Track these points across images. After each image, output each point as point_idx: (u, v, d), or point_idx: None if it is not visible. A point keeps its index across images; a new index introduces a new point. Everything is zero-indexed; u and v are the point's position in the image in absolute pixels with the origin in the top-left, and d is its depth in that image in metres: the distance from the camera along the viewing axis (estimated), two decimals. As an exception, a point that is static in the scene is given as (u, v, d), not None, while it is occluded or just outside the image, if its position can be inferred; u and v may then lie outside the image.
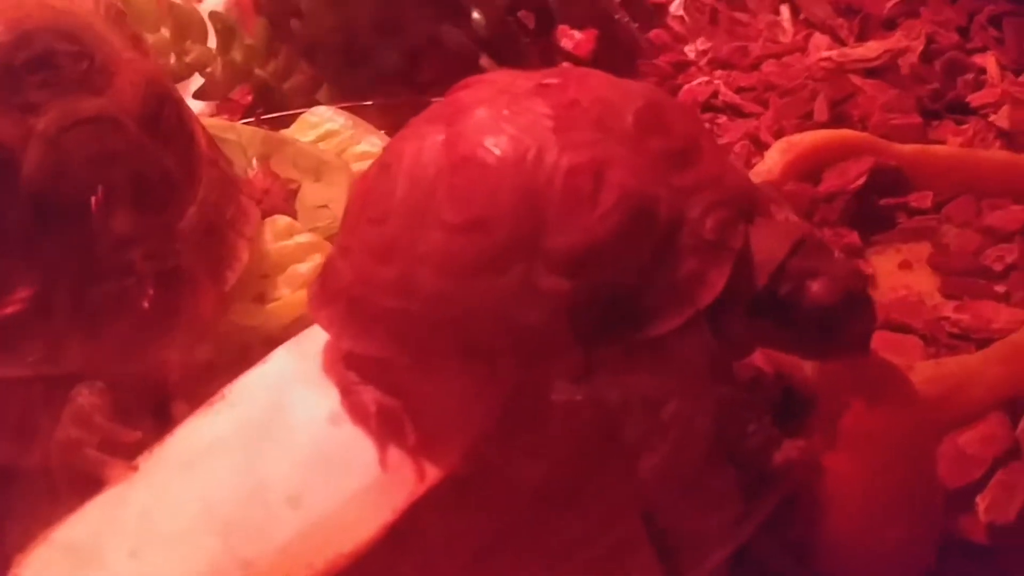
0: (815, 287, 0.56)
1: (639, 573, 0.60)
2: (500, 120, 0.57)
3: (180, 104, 0.72)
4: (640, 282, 0.55)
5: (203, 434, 0.61)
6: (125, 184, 0.65)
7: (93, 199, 0.63)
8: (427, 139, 0.59)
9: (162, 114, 0.68)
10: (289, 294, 0.73)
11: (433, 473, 0.58)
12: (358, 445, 0.58)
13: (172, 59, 0.98)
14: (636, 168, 0.56)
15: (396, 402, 0.59)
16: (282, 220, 0.77)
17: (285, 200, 0.80)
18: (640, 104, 0.58)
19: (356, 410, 0.60)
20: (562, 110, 0.57)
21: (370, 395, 0.59)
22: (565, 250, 0.55)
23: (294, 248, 0.75)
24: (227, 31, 1.01)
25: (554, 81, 0.59)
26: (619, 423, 0.63)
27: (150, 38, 0.97)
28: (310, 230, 0.78)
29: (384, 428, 0.59)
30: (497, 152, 0.56)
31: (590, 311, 0.55)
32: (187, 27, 0.99)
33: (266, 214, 0.77)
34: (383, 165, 0.61)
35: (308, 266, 0.74)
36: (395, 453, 0.58)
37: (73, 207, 0.63)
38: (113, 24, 0.69)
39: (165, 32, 0.98)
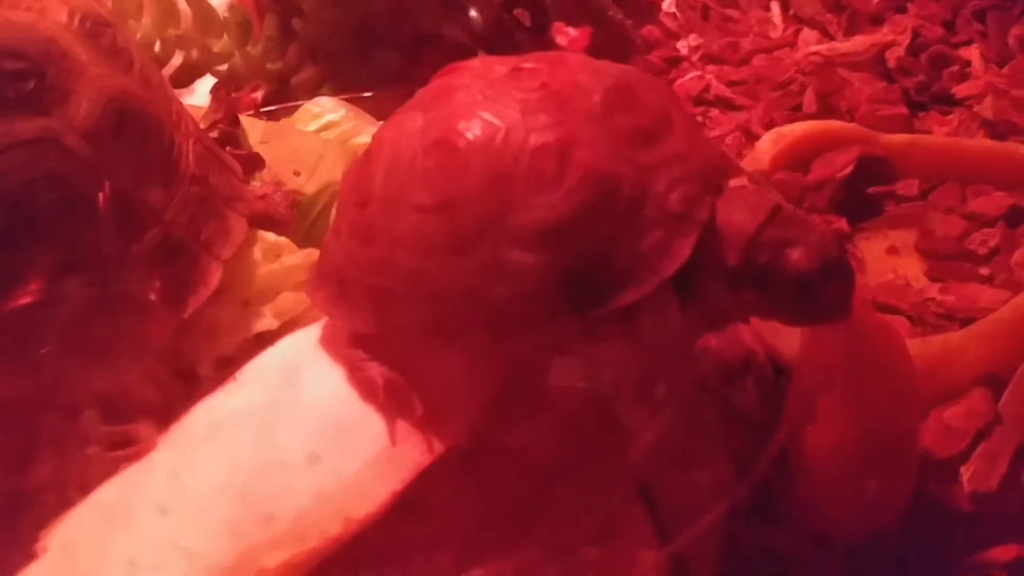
0: (794, 255, 0.57)
1: (634, 538, 0.61)
2: (473, 105, 0.59)
3: (151, 120, 0.68)
4: (605, 255, 0.57)
5: (218, 411, 0.63)
6: (66, 207, 0.62)
7: (19, 223, 0.61)
8: (406, 125, 0.61)
9: (123, 132, 0.65)
10: (275, 324, 0.70)
11: (438, 445, 0.60)
12: (366, 419, 0.60)
13: (194, 52, 1.00)
14: (600, 147, 0.57)
15: (402, 377, 0.61)
16: (270, 238, 0.74)
17: (287, 207, 0.78)
18: (608, 84, 0.60)
19: (364, 385, 0.62)
20: (532, 93, 0.59)
21: (377, 371, 0.61)
22: (531, 226, 0.57)
23: (282, 271, 0.73)
24: (245, 25, 1.03)
25: (528, 66, 0.61)
26: (600, 395, 0.65)
27: (173, 33, 1.00)
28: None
29: (391, 402, 0.61)
30: (468, 136, 0.58)
31: (557, 284, 0.57)
32: (208, 22, 1.01)
33: (263, 223, 0.75)
34: (368, 152, 0.64)
35: (298, 297, 0.71)
36: (402, 426, 0.60)
37: (5, 231, 0.61)
38: (86, 38, 0.67)
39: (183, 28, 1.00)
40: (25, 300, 0.61)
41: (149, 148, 0.67)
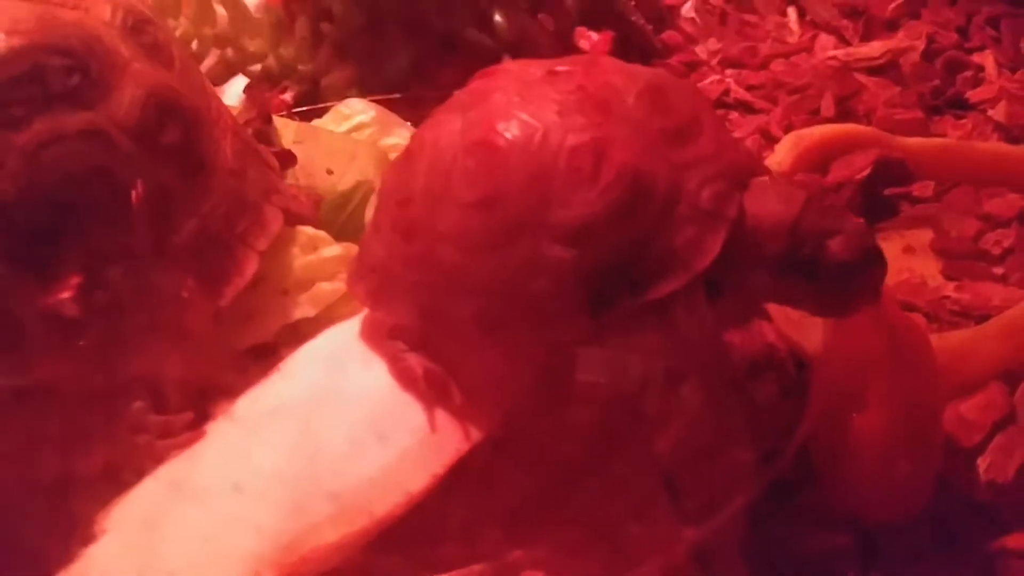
0: (834, 245, 0.59)
1: (659, 526, 0.64)
2: (511, 106, 0.62)
3: (190, 115, 0.70)
4: (639, 250, 0.59)
5: (265, 402, 0.65)
6: (109, 199, 0.64)
7: (63, 214, 0.63)
8: (445, 126, 0.64)
9: (164, 127, 0.68)
10: (312, 313, 0.73)
11: (475, 433, 0.63)
12: (407, 408, 0.63)
13: (229, 52, 1.02)
14: (635, 146, 0.60)
15: (440, 368, 0.64)
16: (308, 232, 0.76)
17: (312, 206, 0.80)
18: (642, 87, 0.62)
19: (404, 376, 0.64)
20: (568, 95, 0.61)
21: (417, 361, 0.64)
22: (568, 223, 0.59)
23: (319, 263, 0.75)
24: (279, 26, 1.05)
25: (563, 68, 0.64)
26: (631, 386, 0.67)
27: (209, 32, 1.02)
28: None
29: (431, 391, 0.63)
30: (507, 136, 0.61)
31: (593, 278, 0.59)
32: (243, 22, 1.03)
33: (291, 222, 0.77)
34: (408, 152, 0.67)
35: (335, 286, 0.73)
36: (441, 415, 0.63)
37: (49, 223, 0.63)
38: (128, 35, 0.69)
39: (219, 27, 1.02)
40: (68, 289, 0.63)
41: (188, 142, 0.70)
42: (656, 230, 0.60)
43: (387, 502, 0.59)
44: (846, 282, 0.60)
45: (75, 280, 0.63)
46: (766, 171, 0.66)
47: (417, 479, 0.60)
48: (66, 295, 0.63)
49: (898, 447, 0.63)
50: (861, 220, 0.62)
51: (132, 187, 0.65)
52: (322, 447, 0.61)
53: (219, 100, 0.77)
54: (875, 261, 0.60)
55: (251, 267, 0.71)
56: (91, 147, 0.64)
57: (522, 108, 0.61)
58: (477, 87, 0.65)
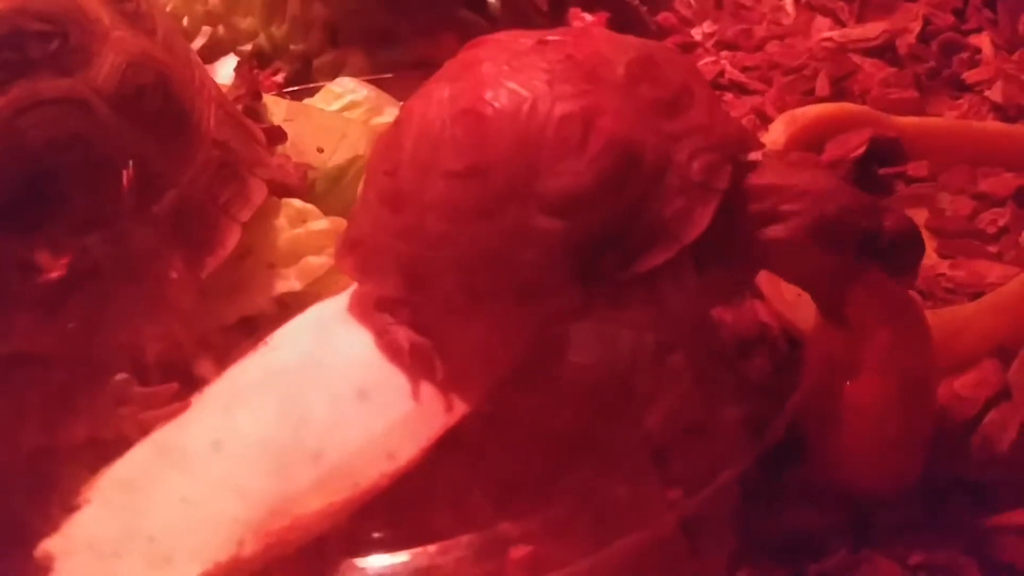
0: (889, 220, 0.60)
1: (648, 500, 0.63)
2: (500, 75, 0.61)
3: (172, 84, 0.69)
4: (628, 221, 0.59)
5: (250, 373, 0.65)
6: (88, 167, 0.64)
7: (49, 181, 0.63)
8: (434, 95, 0.63)
9: (145, 95, 0.67)
10: (298, 286, 0.72)
11: (461, 407, 0.63)
12: (393, 380, 0.63)
13: (220, 29, 1.02)
14: (624, 116, 0.59)
15: (427, 341, 0.63)
16: (295, 204, 0.76)
17: (300, 178, 0.80)
18: (632, 56, 0.61)
19: (390, 348, 0.64)
20: (557, 64, 0.61)
21: (403, 334, 0.64)
22: (556, 193, 0.59)
23: (307, 236, 0.75)
24: (271, 5, 1.05)
25: (553, 38, 0.63)
26: (620, 360, 0.67)
27: (201, 8, 1.01)
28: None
29: (416, 363, 0.63)
30: (495, 104, 0.60)
31: (582, 249, 0.59)
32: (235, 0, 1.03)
33: (279, 193, 0.77)
34: (397, 122, 0.66)
35: (322, 260, 0.73)
36: (427, 387, 0.63)
37: (27, 188, 0.62)
38: (110, 2, 0.68)
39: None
40: (47, 256, 0.62)
41: (170, 110, 0.69)
42: (645, 201, 0.59)
43: (372, 472, 0.59)
44: (899, 258, 0.60)
45: (54, 248, 0.63)
46: (760, 146, 0.66)
47: (403, 450, 0.60)
48: (45, 262, 0.63)
49: (890, 418, 0.63)
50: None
51: (111, 155, 0.65)
52: (308, 413, 0.61)
53: (204, 70, 0.76)
54: (920, 238, 0.61)
55: (233, 238, 0.70)
56: (70, 114, 0.64)
57: (511, 77, 0.61)
58: (466, 57, 0.65)
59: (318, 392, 0.62)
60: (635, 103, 0.60)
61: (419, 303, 0.64)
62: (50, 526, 0.58)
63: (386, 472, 0.59)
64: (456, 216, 0.61)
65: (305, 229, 0.75)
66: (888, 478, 0.65)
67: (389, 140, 0.66)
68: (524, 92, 0.60)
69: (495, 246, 0.60)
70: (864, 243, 0.60)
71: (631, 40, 0.64)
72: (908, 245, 0.61)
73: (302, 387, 0.62)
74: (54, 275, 0.62)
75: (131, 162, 0.65)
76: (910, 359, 0.63)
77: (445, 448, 0.62)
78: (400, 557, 0.59)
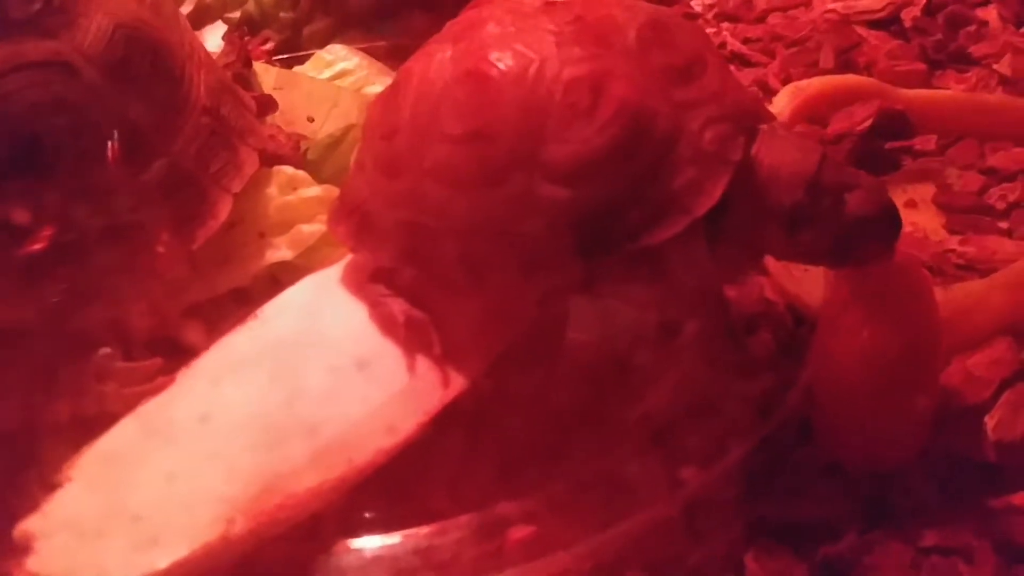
0: (853, 199, 0.58)
1: (650, 481, 0.61)
2: (505, 36, 0.59)
3: (161, 48, 0.67)
4: (637, 191, 0.57)
5: (240, 346, 0.62)
6: (73, 133, 0.61)
7: (31, 147, 0.60)
8: (435, 56, 0.60)
9: (132, 59, 0.65)
10: (290, 255, 0.70)
11: (459, 382, 0.60)
12: (388, 353, 0.61)
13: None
14: (635, 82, 0.57)
15: (423, 314, 0.61)
16: (287, 171, 0.74)
17: (292, 148, 0.78)
18: (643, 20, 0.59)
19: (385, 321, 0.62)
20: (566, 26, 0.58)
21: (398, 306, 0.61)
22: (564, 160, 0.56)
23: (299, 203, 0.73)
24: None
25: (561, 0, 0.61)
26: (624, 337, 0.65)
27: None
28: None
29: (412, 337, 0.61)
30: (500, 66, 0.58)
31: (588, 220, 0.57)
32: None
33: (270, 160, 0.74)
34: (395, 83, 0.63)
35: (314, 228, 0.71)
36: (423, 362, 0.60)
37: (9, 154, 0.60)
38: None
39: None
40: (30, 225, 0.60)
41: (158, 76, 0.67)
42: (655, 171, 0.57)
43: (368, 447, 0.57)
44: (862, 237, 0.58)
45: (37, 217, 0.60)
46: (771, 117, 0.63)
47: (400, 425, 0.58)
48: (29, 227, 0.60)
49: (890, 387, 0.61)
50: (870, 175, 0.60)
51: (98, 121, 0.62)
52: (302, 385, 0.59)
53: (193, 35, 0.74)
54: (891, 217, 0.59)
55: (225, 209, 0.68)
56: (54, 77, 0.61)
57: (517, 38, 0.58)
58: (469, 17, 0.62)
59: (312, 364, 0.60)
60: (646, 69, 0.58)
61: (416, 274, 0.62)
62: (29, 505, 0.56)
63: (383, 447, 0.57)
64: (457, 183, 0.58)
65: (297, 196, 0.72)
66: (889, 450, 0.63)
67: (386, 103, 0.63)
68: (531, 54, 0.58)
69: (497, 215, 0.58)
70: (823, 225, 0.58)
71: (641, 4, 0.62)
72: (874, 226, 0.58)
73: (295, 359, 0.60)
74: (38, 245, 0.60)
75: (118, 129, 0.63)
76: (907, 327, 0.61)
77: (442, 425, 0.60)
78: (395, 538, 0.57)
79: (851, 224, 0.57)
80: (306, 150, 0.80)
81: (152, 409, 0.59)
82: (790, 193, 0.58)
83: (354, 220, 0.63)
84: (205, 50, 0.74)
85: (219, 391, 0.59)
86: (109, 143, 0.62)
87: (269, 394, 0.58)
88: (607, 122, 0.56)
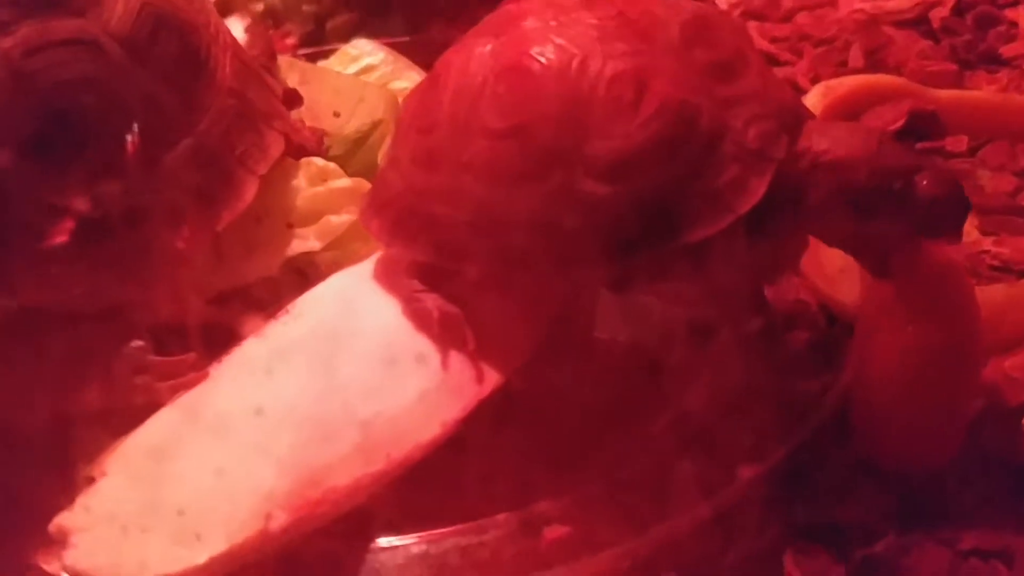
0: (924, 180, 0.57)
1: (685, 482, 0.61)
2: (546, 30, 0.58)
3: (187, 28, 0.67)
4: (679, 188, 0.56)
5: (273, 342, 0.62)
6: (99, 111, 0.60)
7: (58, 126, 0.59)
8: (475, 49, 0.60)
9: (159, 38, 0.64)
10: (318, 246, 0.70)
11: (493, 379, 0.60)
12: (422, 349, 0.60)
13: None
14: (679, 78, 0.56)
15: (457, 310, 0.60)
16: (316, 163, 0.73)
17: (316, 142, 0.77)
18: (686, 17, 0.59)
19: (419, 316, 0.61)
20: (608, 21, 0.58)
21: (433, 302, 0.61)
22: (605, 156, 0.56)
23: (327, 194, 0.71)
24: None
25: (602, -5, 0.60)
26: (662, 336, 0.64)
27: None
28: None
29: (446, 333, 0.60)
30: (542, 60, 0.57)
31: (629, 216, 0.56)
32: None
33: (299, 154, 0.73)
34: (433, 76, 0.63)
35: (343, 219, 0.70)
36: (456, 357, 0.60)
37: (36, 133, 0.59)
38: None
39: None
40: (58, 204, 0.59)
41: (184, 56, 0.66)
42: (698, 168, 0.57)
43: (404, 444, 0.56)
44: (938, 218, 0.57)
45: (65, 193, 0.59)
46: (811, 115, 0.63)
47: (433, 423, 0.57)
48: (56, 206, 0.59)
49: (927, 388, 0.60)
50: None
51: (124, 99, 0.62)
52: (342, 380, 0.58)
53: (218, 18, 0.73)
54: (963, 197, 0.58)
55: (250, 191, 0.67)
56: (80, 56, 0.61)
57: (559, 33, 0.58)
58: (510, 10, 0.61)
59: (347, 360, 0.59)
60: (690, 65, 0.57)
61: (451, 269, 0.61)
62: (65, 499, 0.55)
63: (419, 443, 0.56)
64: (496, 178, 0.57)
65: (326, 187, 0.71)
66: (928, 451, 0.62)
67: (423, 97, 0.62)
68: (573, 48, 0.57)
69: (537, 211, 0.57)
70: (897, 208, 0.57)
71: (682, 1, 0.61)
72: (946, 206, 0.57)
73: (334, 354, 0.59)
74: (66, 224, 0.59)
75: (145, 108, 0.62)
76: (949, 328, 0.61)
77: (477, 421, 0.59)
78: (433, 535, 0.57)
79: (927, 205, 0.57)
80: (329, 146, 0.79)
81: (196, 401, 0.59)
82: (858, 178, 0.57)
83: (388, 215, 0.63)
84: (230, 34, 0.74)
85: (273, 383, 0.58)
86: (135, 122, 0.62)
87: (317, 387, 0.58)
88: (650, 118, 0.56)
